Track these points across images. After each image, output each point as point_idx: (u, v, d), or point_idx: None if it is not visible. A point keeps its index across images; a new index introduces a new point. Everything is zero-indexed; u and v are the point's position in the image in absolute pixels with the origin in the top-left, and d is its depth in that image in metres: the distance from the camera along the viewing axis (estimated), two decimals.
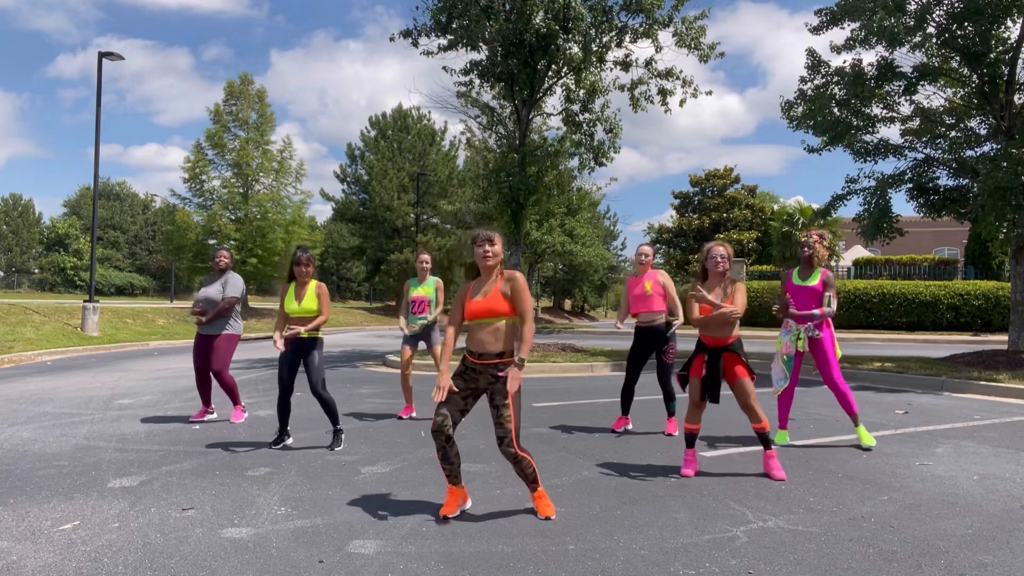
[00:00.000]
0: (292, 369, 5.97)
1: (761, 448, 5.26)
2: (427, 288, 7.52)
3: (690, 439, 5.14)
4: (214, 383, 7.29)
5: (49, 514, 4.10)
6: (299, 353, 5.95)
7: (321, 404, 5.93)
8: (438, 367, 7.34)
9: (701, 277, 5.21)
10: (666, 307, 6.72)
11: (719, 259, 5.09)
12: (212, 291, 7.09)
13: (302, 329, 5.85)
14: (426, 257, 7.56)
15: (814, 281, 5.98)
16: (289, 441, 6.06)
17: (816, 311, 5.93)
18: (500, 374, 4.00)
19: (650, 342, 6.74)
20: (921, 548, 3.59)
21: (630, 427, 6.88)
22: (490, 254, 4.06)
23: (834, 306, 5.96)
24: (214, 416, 7.35)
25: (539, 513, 4.07)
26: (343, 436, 6.03)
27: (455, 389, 4.05)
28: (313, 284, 5.98)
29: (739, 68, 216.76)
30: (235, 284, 7.20)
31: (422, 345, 7.75)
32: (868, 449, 5.86)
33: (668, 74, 14.80)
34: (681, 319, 6.72)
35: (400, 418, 7.44)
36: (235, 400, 7.27)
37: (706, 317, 5.04)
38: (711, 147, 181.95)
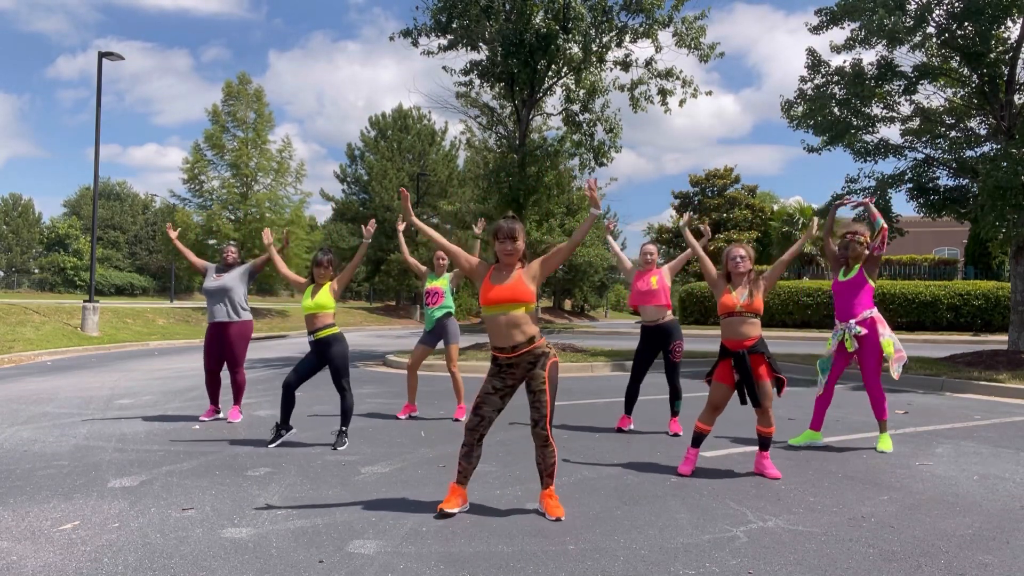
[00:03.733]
0: (308, 372, 5.99)
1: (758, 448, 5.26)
2: (443, 280, 7.53)
3: (698, 439, 5.11)
4: (223, 381, 7.34)
5: (49, 514, 4.09)
6: (321, 355, 5.97)
7: (342, 401, 5.96)
8: (451, 370, 7.37)
9: (725, 280, 5.18)
10: (670, 302, 6.72)
11: (739, 259, 5.09)
12: (229, 281, 7.15)
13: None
14: (441, 253, 7.56)
15: (854, 273, 5.96)
16: (291, 432, 6.07)
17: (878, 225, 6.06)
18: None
19: (657, 340, 6.71)
20: (921, 548, 3.59)
21: (631, 427, 6.87)
22: (510, 251, 4.07)
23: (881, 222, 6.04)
24: (221, 415, 7.36)
25: (548, 514, 4.03)
26: (347, 439, 6.04)
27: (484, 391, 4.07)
28: (328, 284, 6.01)
29: (735, 69, 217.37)
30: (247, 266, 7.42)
31: (440, 344, 7.73)
32: (882, 452, 5.83)
33: (668, 74, 14.80)
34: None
35: (399, 418, 7.43)
36: (237, 399, 7.28)
37: (728, 317, 5.03)
38: (708, 147, 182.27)
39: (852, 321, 5.89)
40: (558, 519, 3.99)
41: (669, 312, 6.69)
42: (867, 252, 5.96)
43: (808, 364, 12.28)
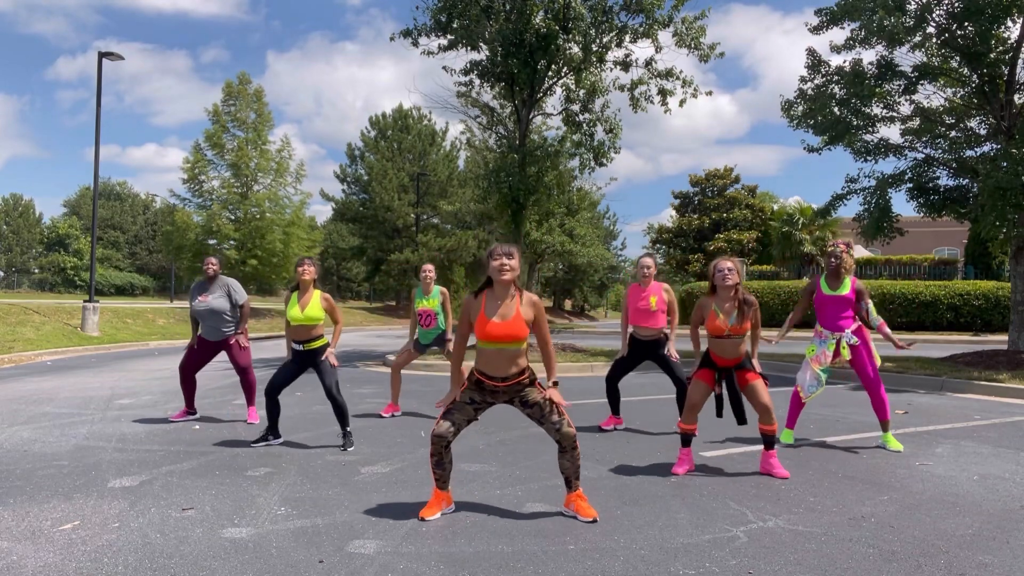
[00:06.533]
0: (290, 377, 6.00)
1: (761, 447, 5.27)
2: (432, 301, 7.56)
3: (686, 439, 5.15)
4: (199, 385, 7.36)
5: (49, 514, 4.09)
6: (305, 363, 5.98)
7: (333, 406, 5.94)
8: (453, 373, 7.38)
9: (710, 292, 5.12)
10: (666, 322, 6.66)
11: (727, 272, 4.97)
12: (216, 303, 7.04)
13: (332, 355, 5.98)
14: (429, 267, 7.57)
15: (845, 290, 5.91)
16: (273, 441, 6.04)
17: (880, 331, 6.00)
18: (544, 393, 4.03)
19: (647, 351, 6.69)
20: (921, 548, 3.59)
21: (621, 427, 6.85)
22: (507, 267, 3.92)
23: (876, 315, 5.99)
24: (196, 417, 7.34)
25: (581, 516, 4.00)
26: (352, 437, 6.04)
27: (458, 399, 4.06)
28: (317, 294, 5.96)
29: (731, 70, 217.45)
30: (240, 289, 7.26)
31: (433, 348, 7.85)
32: (896, 451, 5.84)
33: (668, 74, 14.80)
34: (673, 340, 6.66)
35: (382, 416, 7.44)
36: (252, 400, 7.25)
37: (718, 338, 5.01)
38: (705, 148, 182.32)
39: (848, 331, 5.93)
40: (594, 520, 3.96)
41: (665, 330, 6.66)
42: (851, 276, 5.98)
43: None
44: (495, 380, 4.01)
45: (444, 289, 7.68)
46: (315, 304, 5.89)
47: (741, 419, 5.23)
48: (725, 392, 5.18)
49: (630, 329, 6.79)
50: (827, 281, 6.01)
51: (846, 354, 5.94)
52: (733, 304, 4.96)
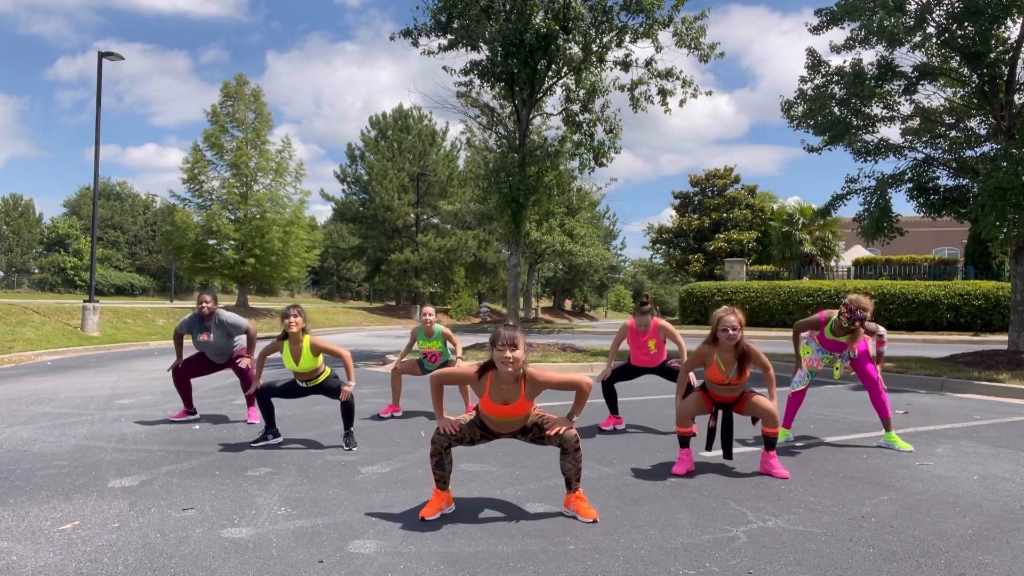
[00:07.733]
0: (287, 393, 6.06)
1: (761, 448, 5.27)
2: (435, 342, 7.72)
3: (684, 440, 5.15)
4: (199, 385, 7.42)
5: (49, 514, 4.09)
6: (307, 392, 6.06)
7: (343, 407, 5.97)
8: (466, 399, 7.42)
9: (711, 340, 5.02)
10: (666, 354, 6.80)
11: (731, 331, 4.86)
12: (220, 343, 7.12)
13: (348, 392, 5.91)
14: (429, 310, 7.68)
15: (852, 342, 5.97)
16: (273, 440, 6.05)
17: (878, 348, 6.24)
18: (548, 431, 4.11)
19: (648, 369, 6.86)
20: (921, 548, 3.59)
21: (621, 426, 6.86)
22: (510, 359, 3.87)
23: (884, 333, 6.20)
24: (196, 417, 7.36)
25: (581, 517, 4.01)
26: (355, 437, 6.09)
27: (456, 429, 4.14)
28: (307, 341, 5.93)
29: (730, 71, 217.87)
30: (237, 322, 7.24)
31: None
32: (906, 451, 5.85)
33: (668, 74, 14.80)
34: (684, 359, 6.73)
35: (381, 417, 7.45)
36: (252, 400, 7.25)
37: (716, 383, 5.04)
38: (704, 148, 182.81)
39: (846, 351, 6.05)
40: (594, 520, 3.97)
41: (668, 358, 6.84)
42: (872, 351, 6.13)
43: None
44: (498, 428, 4.19)
45: (447, 330, 7.82)
46: (306, 355, 5.91)
47: (728, 454, 5.33)
48: (719, 425, 5.32)
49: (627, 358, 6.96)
50: (832, 330, 5.98)
51: (837, 375, 6.15)
52: (734, 356, 4.96)
